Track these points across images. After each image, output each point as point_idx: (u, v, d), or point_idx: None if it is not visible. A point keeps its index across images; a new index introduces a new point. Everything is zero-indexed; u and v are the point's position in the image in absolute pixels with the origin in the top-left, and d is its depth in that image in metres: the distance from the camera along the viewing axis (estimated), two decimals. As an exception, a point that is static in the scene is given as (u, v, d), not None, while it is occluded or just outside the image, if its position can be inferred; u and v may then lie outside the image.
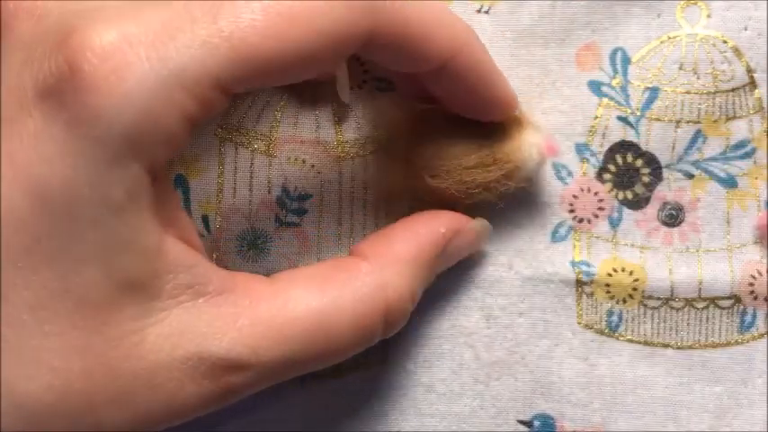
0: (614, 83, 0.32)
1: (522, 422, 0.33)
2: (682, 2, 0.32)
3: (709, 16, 0.32)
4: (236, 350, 0.24)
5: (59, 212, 0.22)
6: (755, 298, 0.32)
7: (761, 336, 0.32)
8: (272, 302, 0.25)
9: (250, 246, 0.32)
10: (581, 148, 0.32)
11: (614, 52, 0.32)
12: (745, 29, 0.32)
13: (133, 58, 0.22)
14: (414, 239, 0.28)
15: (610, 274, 0.32)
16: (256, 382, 0.25)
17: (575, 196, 0.32)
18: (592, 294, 0.32)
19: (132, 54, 0.22)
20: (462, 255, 0.31)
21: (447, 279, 0.32)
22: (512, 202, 0.32)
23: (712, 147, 0.32)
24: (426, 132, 0.30)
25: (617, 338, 0.33)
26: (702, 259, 0.32)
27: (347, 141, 0.32)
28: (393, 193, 0.31)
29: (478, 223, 0.31)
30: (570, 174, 0.32)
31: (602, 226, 0.32)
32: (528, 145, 0.30)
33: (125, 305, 0.23)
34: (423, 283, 0.29)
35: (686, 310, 0.32)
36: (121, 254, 0.23)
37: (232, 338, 0.24)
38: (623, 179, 0.32)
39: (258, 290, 0.25)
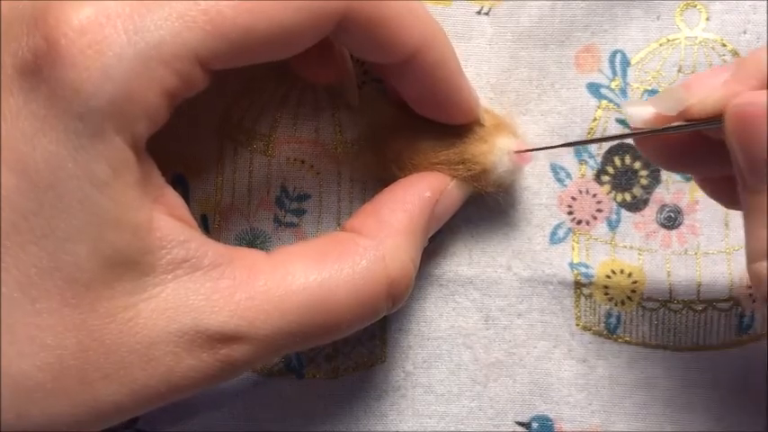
0: (613, 85, 0.32)
1: (520, 423, 0.33)
2: (681, 4, 0.32)
3: (708, 19, 0.32)
4: (234, 323, 0.24)
5: (45, 189, 0.22)
6: (754, 300, 0.32)
7: (758, 338, 0.32)
8: (271, 276, 0.25)
9: (249, 245, 0.32)
10: (579, 150, 0.32)
11: (613, 54, 0.32)
12: (744, 32, 0.32)
13: (110, 31, 0.22)
14: (403, 208, 0.28)
15: (608, 276, 0.32)
16: (255, 356, 0.25)
17: (573, 198, 0.32)
18: (590, 296, 0.32)
19: (109, 27, 0.22)
20: (451, 213, 0.30)
21: (446, 279, 0.32)
22: (510, 204, 0.32)
23: (711, 149, 0.32)
24: (402, 126, 0.30)
25: (615, 340, 0.33)
26: (701, 262, 0.32)
27: (346, 142, 0.32)
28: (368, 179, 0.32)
29: (459, 181, 0.30)
30: (569, 175, 0.32)
31: (601, 228, 0.32)
32: (498, 150, 0.30)
33: (117, 281, 0.23)
34: (419, 250, 0.29)
35: (685, 312, 0.32)
36: (110, 230, 0.23)
37: (230, 311, 0.24)
38: (621, 181, 0.32)
39: (256, 263, 0.25)
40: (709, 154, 0.27)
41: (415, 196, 0.29)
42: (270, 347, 0.25)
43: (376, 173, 0.31)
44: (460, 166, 0.29)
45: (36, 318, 0.22)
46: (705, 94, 0.25)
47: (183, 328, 0.23)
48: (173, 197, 0.25)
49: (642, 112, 0.27)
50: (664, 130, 0.27)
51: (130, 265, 0.23)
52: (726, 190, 0.28)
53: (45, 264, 0.22)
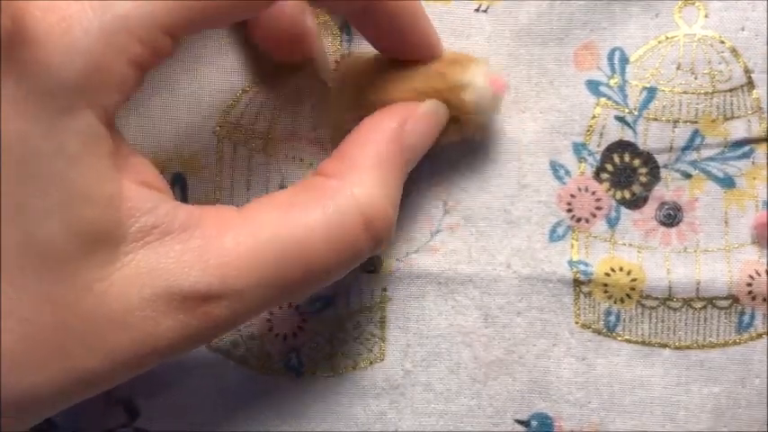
0: (612, 82, 0.32)
1: (519, 422, 0.33)
2: (679, 2, 0.32)
3: (706, 16, 0.32)
4: (205, 281, 0.24)
5: (18, 168, 0.22)
6: (753, 298, 0.32)
7: (759, 336, 0.32)
8: (240, 230, 0.25)
9: (248, 244, 0.32)
10: (578, 148, 0.32)
11: (612, 52, 0.32)
12: (743, 29, 0.32)
13: (76, 7, 0.22)
14: (369, 144, 0.28)
15: (608, 274, 0.32)
16: (236, 312, 0.25)
17: (572, 195, 0.32)
18: (590, 294, 0.32)
19: (75, 4, 0.22)
20: (427, 141, 0.29)
21: (445, 277, 0.32)
22: (509, 201, 0.32)
23: (710, 147, 0.32)
24: (382, 67, 0.30)
25: (615, 338, 0.32)
26: (700, 259, 0.32)
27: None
28: (338, 127, 0.31)
29: (431, 104, 0.29)
30: (568, 173, 0.32)
31: (600, 225, 0.32)
32: (473, 66, 0.29)
33: (91, 254, 0.23)
34: (396, 184, 0.28)
35: (684, 310, 0.32)
36: (82, 205, 0.23)
37: (200, 270, 0.24)
38: (621, 179, 0.32)
39: (227, 220, 0.25)
40: None
41: (381, 129, 0.28)
42: (249, 302, 0.25)
43: (350, 116, 0.30)
44: (445, 91, 0.29)
45: (12, 293, 0.22)
46: None
47: (157, 292, 0.24)
48: (141, 163, 0.25)
49: None
50: None
51: (104, 237, 0.23)
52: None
53: (20, 241, 0.22)
